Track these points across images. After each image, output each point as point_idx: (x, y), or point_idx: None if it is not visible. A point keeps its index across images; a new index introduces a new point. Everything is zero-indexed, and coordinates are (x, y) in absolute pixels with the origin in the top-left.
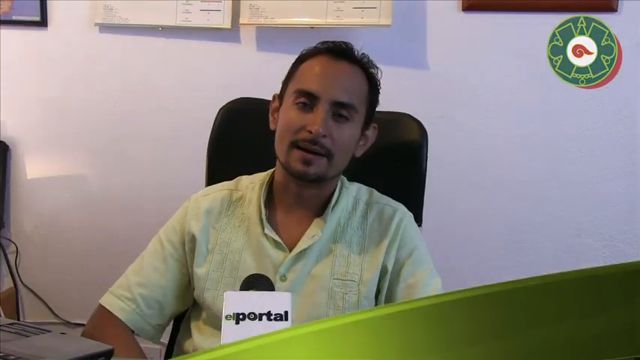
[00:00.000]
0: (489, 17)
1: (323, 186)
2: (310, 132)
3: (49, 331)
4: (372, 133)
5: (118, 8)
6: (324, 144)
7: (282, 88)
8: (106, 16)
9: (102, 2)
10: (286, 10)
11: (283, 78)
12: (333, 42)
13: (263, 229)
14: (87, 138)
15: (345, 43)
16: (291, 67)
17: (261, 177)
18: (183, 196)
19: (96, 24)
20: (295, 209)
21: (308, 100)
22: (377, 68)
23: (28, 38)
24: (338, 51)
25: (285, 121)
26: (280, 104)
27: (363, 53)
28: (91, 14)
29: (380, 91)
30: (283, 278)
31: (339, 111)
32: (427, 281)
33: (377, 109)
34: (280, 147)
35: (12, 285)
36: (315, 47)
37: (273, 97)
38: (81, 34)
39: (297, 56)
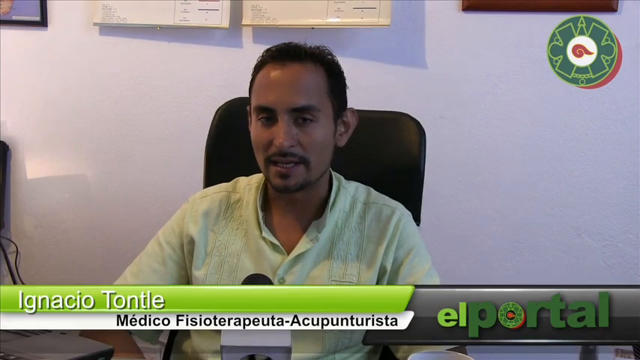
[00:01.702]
0: (489, 17)
1: (313, 189)
2: (276, 146)
3: (48, 331)
4: (351, 118)
5: (116, 8)
6: (295, 153)
7: (249, 100)
8: (105, 16)
9: (100, 2)
10: (287, 10)
11: None
12: (276, 46)
13: (261, 232)
14: (87, 138)
15: (287, 43)
16: (251, 79)
17: (257, 178)
18: (183, 197)
19: (94, 24)
20: (291, 212)
21: (267, 114)
22: (332, 56)
23: (28, 38)
24: (282, 54)
25: (254, 139)
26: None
27: (312, 46)
28: (90, 14)
29: (344, 74)
30: (281, 280)
31: (302, 115)
32: (426, 280)
33: (375, 109)
34: (259, 163)
35: (12, 285)
36: (262, 55)
37: (247, 110)
38: (81, 34)
39: None
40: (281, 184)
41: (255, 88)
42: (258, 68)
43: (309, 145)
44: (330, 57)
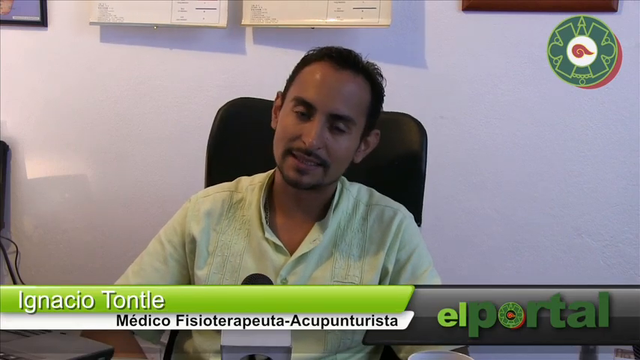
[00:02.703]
0: (489, 17)
1: (321, 191)
2: (305, 143)
3: (48, 331)
4: (373, 139)
5: (113, 7)
6: (318, 155)
7: (285, 86)
8: (101, 15)
9: (97, 1)
10: (287, 10)
11: (283, 79)
12: (337, 48)
13: (264, 232)
14: (87, 138)
15: (349, 50)
16: (296, 67)
17: (260, 178)
18: (184, 197)
19: (91, 23)
20: (295, 212)
21: (305, 109)
22: (383, 78)
23: (28, 38)
24: (341, 59)
25: (282, 127)
26: (282, 103)
27: (369, 62)
28: (89, 14)
29: (384, 100)
30: (284, 281)
31: (337, 123)
32: (427, 281)
33: None
34: (276, 151)
35: (12, 285)
36: (320, 50)
37: (277, 94)
38: (81, 34)
39: (297, 57)
40: (294, 179)
41: (301, 78)
42: (308, 61)
43: (334, 152)
44: (380, 78)
